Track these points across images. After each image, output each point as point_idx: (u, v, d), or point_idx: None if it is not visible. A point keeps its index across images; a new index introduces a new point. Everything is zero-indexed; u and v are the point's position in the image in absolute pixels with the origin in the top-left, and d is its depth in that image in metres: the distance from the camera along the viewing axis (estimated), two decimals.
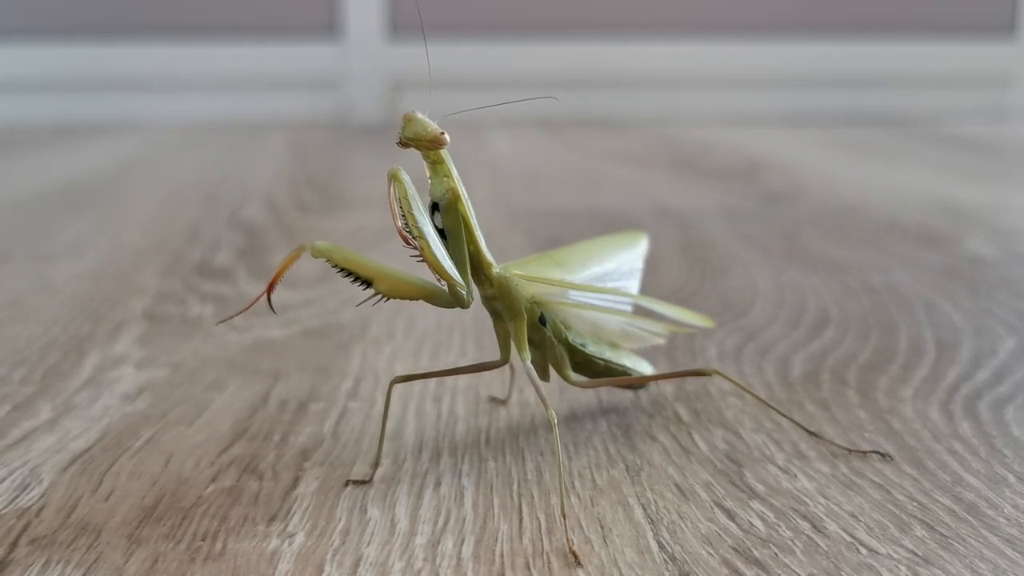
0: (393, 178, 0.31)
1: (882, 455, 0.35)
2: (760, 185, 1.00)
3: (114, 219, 0.84)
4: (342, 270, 0.32)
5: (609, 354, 0.38)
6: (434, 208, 0.33)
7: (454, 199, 0.33)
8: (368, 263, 0.32)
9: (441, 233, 0.33)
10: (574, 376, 0.37)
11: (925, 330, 0.50)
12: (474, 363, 0.37)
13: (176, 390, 0.43)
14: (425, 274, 0.33)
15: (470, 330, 0.51)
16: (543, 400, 0.32)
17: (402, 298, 0.32)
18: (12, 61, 1.61)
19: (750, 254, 0.68)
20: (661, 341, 0.40)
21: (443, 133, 0.32)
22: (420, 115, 0.32)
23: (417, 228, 0.32)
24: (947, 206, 0.86)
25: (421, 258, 0.32)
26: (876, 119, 1.64)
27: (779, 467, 0.34)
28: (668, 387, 0.42)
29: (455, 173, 0.33)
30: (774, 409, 0.38)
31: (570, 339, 0.36)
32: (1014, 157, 1.27)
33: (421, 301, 0.33)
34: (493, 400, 0.41)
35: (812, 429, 0.37)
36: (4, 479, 0.34)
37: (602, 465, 0.35)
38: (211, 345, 0.49)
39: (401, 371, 0.45)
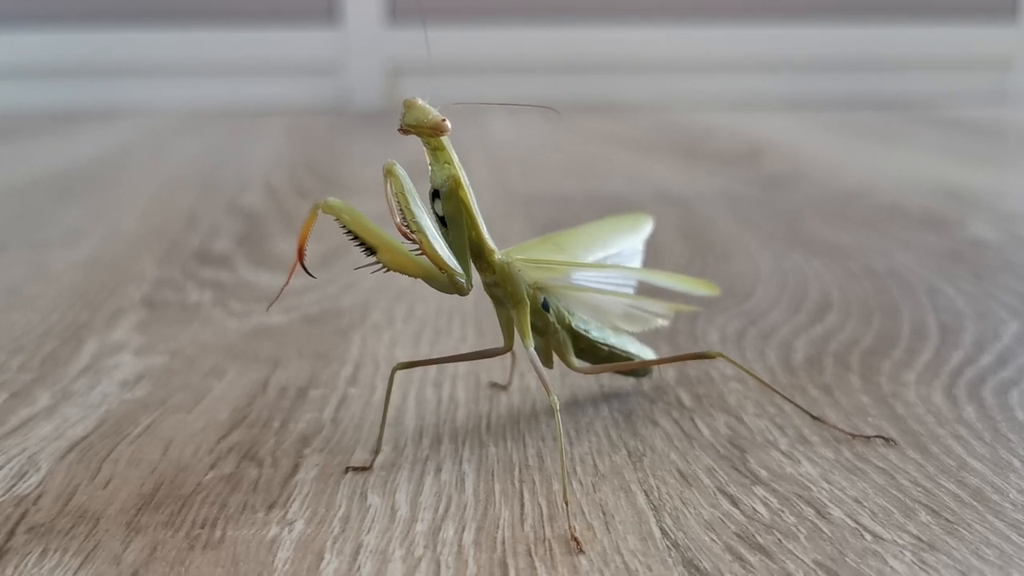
0: (389, 173, 0.31)
1: (886, 440, 0.35)
2: (761, 170, 0.99)
3: (111, 206, 0.83)
4: (349, 232, 0.31)
5: (613, 339, 0.37)
6: (434, 195, 0.32)
7: (455, 186, 0.32)
8: (376, 230, 0.31)
9: (442, 220, 0.33)
10: (577, 362, 0.37)
11: (928, 314, 0.50)
12: (477, 350, 0.37)
13: (175, 377, 0.42)
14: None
15: (470, 316, 0.51)
16: (546, 386, 0.32)
17: (402, 273, 0.32)
18: (6, 48, 1.60)
19: (752, 239, 0.68)
20: (665, 322, 0.40)
21: (444, 120, 0.32)
22: (420, 101, 0.32)
23: (415, 222, 0.31)
24: (949, 190, 0.85)
25: (420, 251, 0.31)
26: (878, 103, 1.63)
27: (782, 452, 0.34)
28: (670, 372, 0.42)
29: (456, 160, 0.32)
30: (778, 393, 0.38)
31: (574, 324, 0.36)
32: (1016, 140, 1.27)
33: (421, 280, 0.33)
34: (494, 386, 0.41)
35: (815, 413, 0.37)
36: (2, 467, 0.34)
37: (604, 451, 0.35)
38: (210, 332, 0.48)
39: (401, 357, 0.45)
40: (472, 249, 0.33)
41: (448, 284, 0.33)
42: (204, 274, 0.60)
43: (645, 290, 0.41)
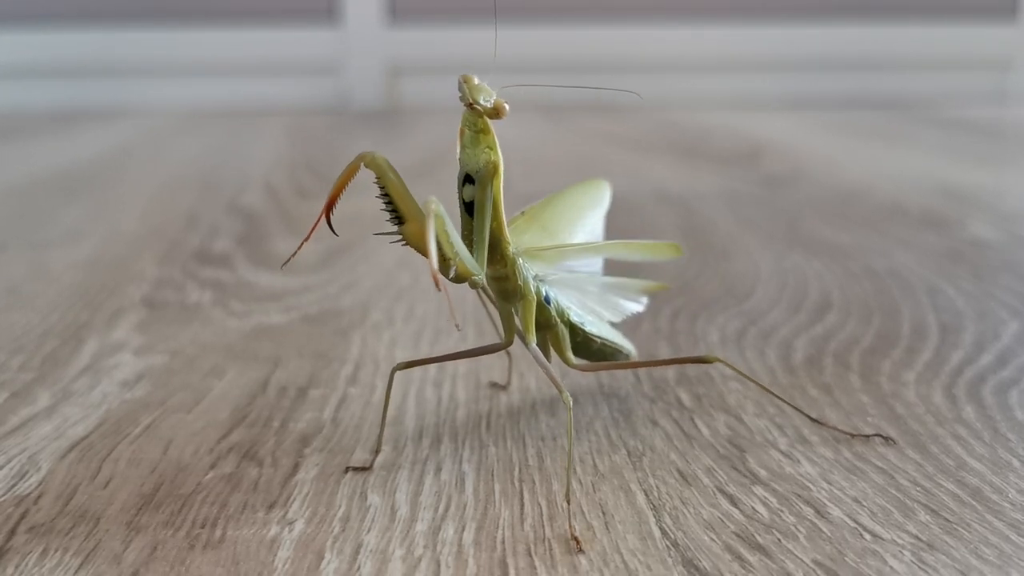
0: (432, 213, 0.29)
1: (885, 439, 0.35)
2: (762, 169, 0.99)
3: (111, 206, 0.83)
4: (385, 195, 0.30)
5: (604, 332, 0.37)
6: (466, 180, 0.31)
7: (493, 171, 0.31)
8: (411, 201, 0.30)
9: (467, 208, 0.32)
10: (574, 359, 0.36)
11: (928, 314, 0.50)
12: (476, 347, 0.37)
13: (175, 377, 0.42)
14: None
15: (470, 315, 0.51)
16: (555, 383, 0.31)
17: (418, 251, 0.31)
18: (7, 47, 1.60)
19: (752, 238, 0.68)
20: (641, 308, 0.39)
21: (506, 104, 0.31)
22: (477, 80, 0.31)
23: (453, 251, 0.30)
24: (949, 189, 0.85)
25: (454, 272, 0.30)
26: (878, 102, 1.63)
27: (782, 452, 0.34)
28: (670, 372, 0.42)
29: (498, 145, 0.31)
30: (776, 396, 0.38)
31: (572, 318, 0.36)
32: (1016, 140, 1.27)
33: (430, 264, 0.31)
34: (494, 385, 0.41)
35: (814, 415, 0.37)
36: (2, 466, 0.34)
37: (604, 451, 0.35)
38: (210, 331, 0.48)
39: (401, 357, 0.45)
40: (490, 239, 0.32)
41: (459, 276, 0.32)
42: (204, 274, 0.60)
43: (613, 268, 0.40)
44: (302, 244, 0.33)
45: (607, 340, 0.37)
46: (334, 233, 0.31)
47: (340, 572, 0.27)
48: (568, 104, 1.62)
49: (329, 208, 0.30)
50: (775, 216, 0.75)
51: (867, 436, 0.35)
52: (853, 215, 0.75)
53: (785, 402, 0.38)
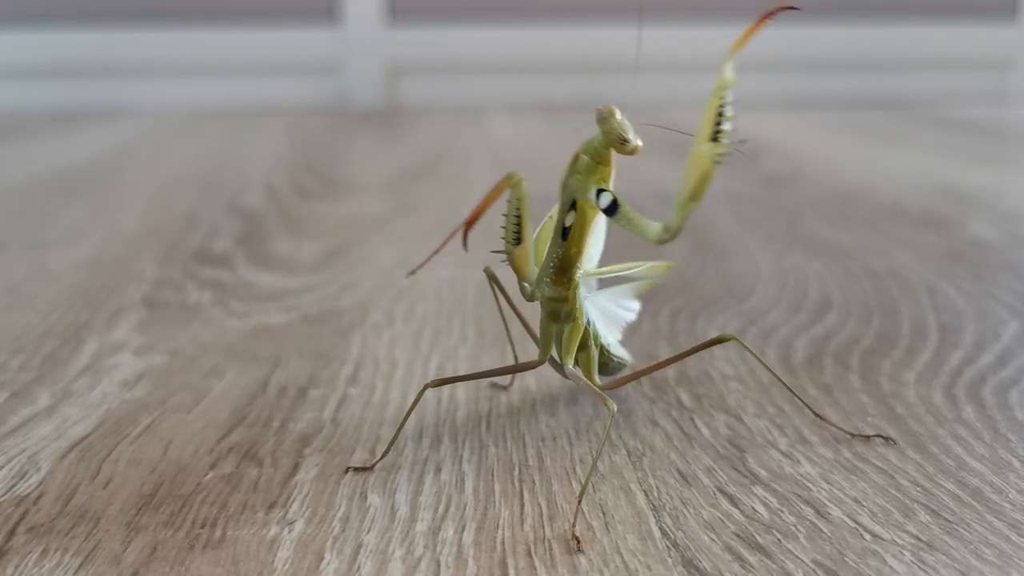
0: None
1: (885, 439, 0.35)
2: (761, 169, 0.99)
3: (111, 206, 0.83)
4: (516, 215, 0.31)
5: (621, 352, 0.38)
6: (572, 206, 0.32)
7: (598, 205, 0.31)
8: (529, 229, 0.31)
9: (563, 231, 0.32)
10: (599, 379, 0.36)
11: (928, 314, 0.50)
12: (510, 365, 0.36)
13: (175, 377, 0.42)
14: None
15: (470, 316, 0.51)
16: (599, 395, 0.32)
17: (515, 270, 0.32)
18: (6, 48, 1.60)
19: (752, 238, 0.68)
20: (634, 317, 0.40)
21: (640, 145, 0.31)
22: (620, 115, 0.31)
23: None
24: (949, 189, 0.85)
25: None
26: (878, 102, 1.63)
27: (782, 452, 0.34)
28: (670, 371, 0.42)
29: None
30: (784, 385, 0.38)
31: (602, 341, 0.36)
32: (1016, 140, 1.27)
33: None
34: (494, 386, 0.41)
35: (817, 411, 0.37)
36: (2, 467, 0.34)
37: (604, 451, 0.35)
38: (210, 332, 0.48)
39: (401, 358, 0.45)
40: (564, 261, 0.32)
41: (529, 293, 0.33)
42: (204, 274, 0.60)
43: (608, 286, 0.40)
44: (433, 255, 0.33)
45: (622, 358, 0.38)
46: (465, 248, 0.31)
47: (340, 572, 0.27)
48: (567, 104, 1.62)
49: (472, 223, 0.30)
50: (775, 216, 0.75)
51: (867, 436, 0.35)
52: (853, 215, 0.75)
53: (792, 392, 0.38)
